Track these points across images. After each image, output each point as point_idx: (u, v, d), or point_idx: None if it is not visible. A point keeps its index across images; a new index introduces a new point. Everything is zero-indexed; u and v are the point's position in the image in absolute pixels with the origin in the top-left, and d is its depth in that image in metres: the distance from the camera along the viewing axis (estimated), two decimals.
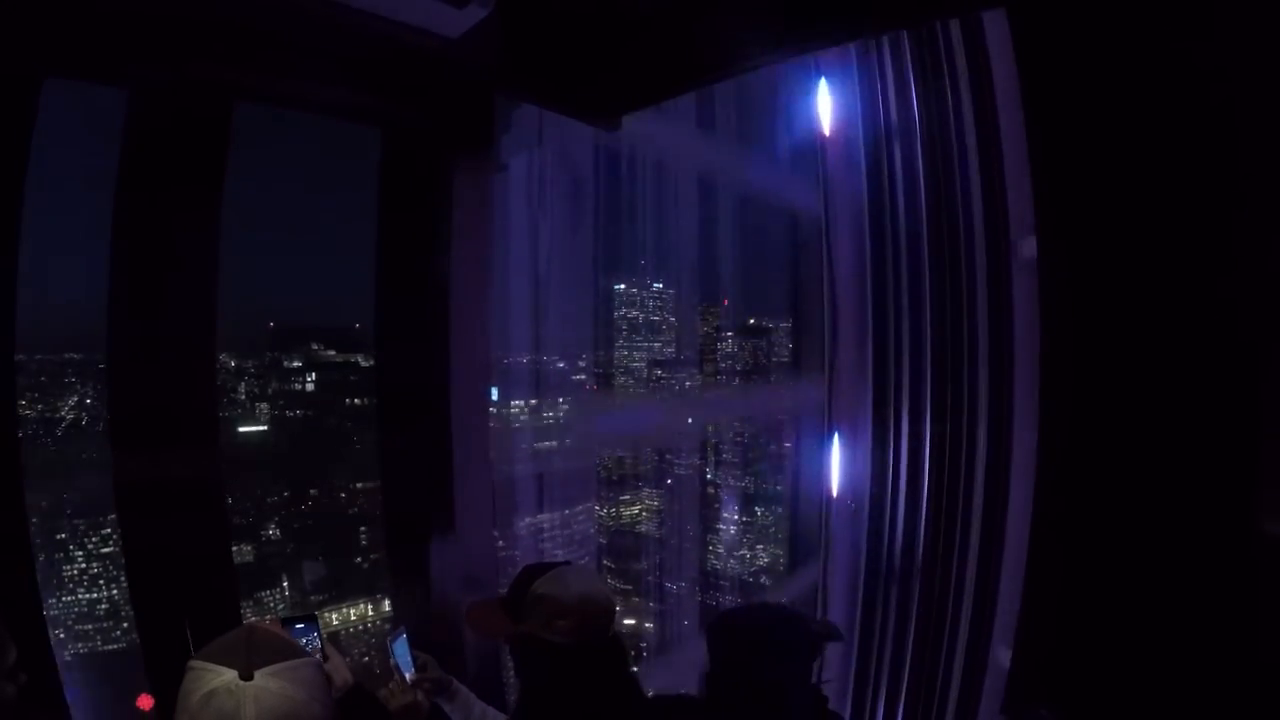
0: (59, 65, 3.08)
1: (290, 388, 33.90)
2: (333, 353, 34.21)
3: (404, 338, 4.22)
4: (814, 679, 2.23)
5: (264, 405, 33.72)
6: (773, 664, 2.05)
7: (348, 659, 2.24)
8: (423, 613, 4.19)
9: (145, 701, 3.31)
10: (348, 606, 32.88)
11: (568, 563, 2.25)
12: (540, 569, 2.19)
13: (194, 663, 1.34)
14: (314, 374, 34.05)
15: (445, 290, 4.09)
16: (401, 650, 2.47)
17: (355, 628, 32.63)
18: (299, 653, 1.42)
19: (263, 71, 3.47)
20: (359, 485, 33.53)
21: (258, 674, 1.31)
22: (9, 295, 3.08)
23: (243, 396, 33.06)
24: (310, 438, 33.87)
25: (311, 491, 33.40)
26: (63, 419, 29.70)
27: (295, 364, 33.93)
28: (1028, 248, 4.54)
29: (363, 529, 33.54)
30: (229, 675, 1.30)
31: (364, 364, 33.66)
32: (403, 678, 2.42)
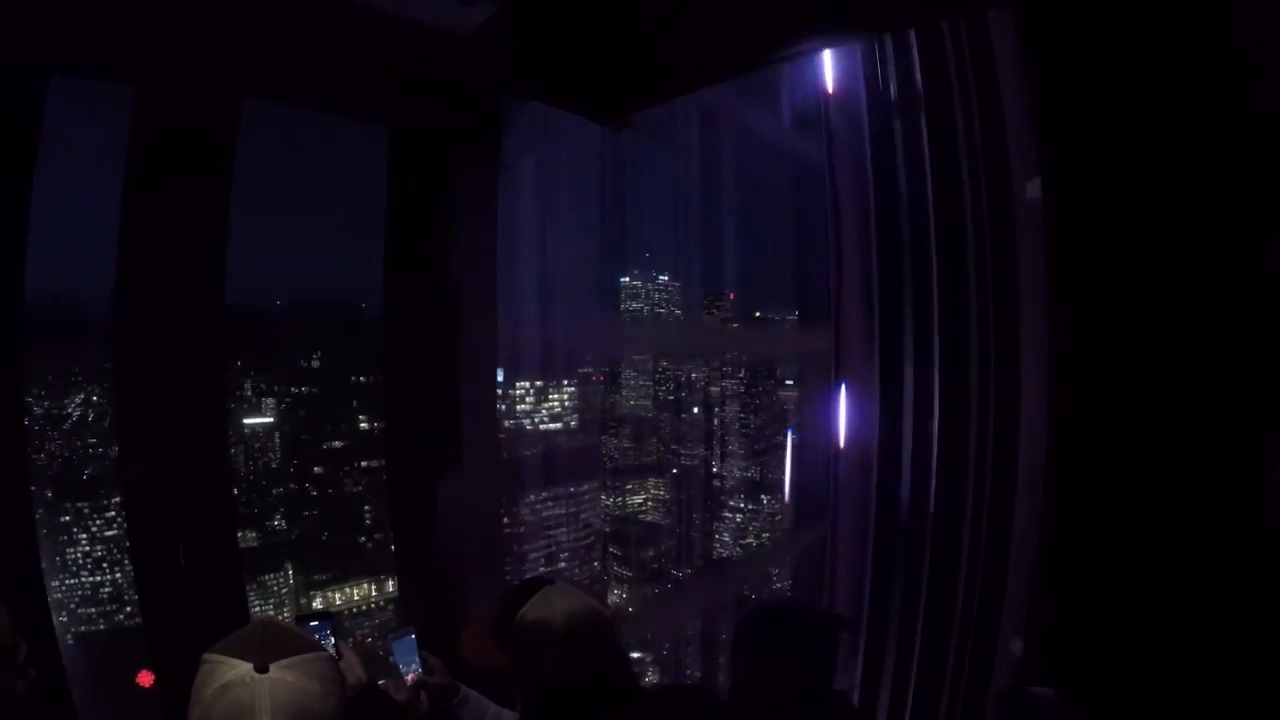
0: (65, 63, 3.08)
1: (296, 365, 33.99)
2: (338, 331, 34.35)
3: (412, 328, 4.24)
4: (835, 671, 2.20)
5: (270, 400, 33.78)
6: (797, 663, 2.04)
7: (350, 641, 2.21)
8: (427, 598, 4.20)
9: (145, 678, 3.34)
10: (351, 586, 32.93)
11: (551, 581, 2.13)
12: (524, 591, 2.10)
13: (208, 656, 1.34)
14: (320, 351, 34.14)
15: (453, 281, 4.11)
16: (404, 650, 2.43)
17: (359, 608, 32.71)
18: (314, 647, 1.42)
19: (269, 68, 3.46)
20: (363, 464, 33.57)
21: (273, 667, 1.31)
22: (16, 294, 3.09)
23: (249, 393, 33.14)
24: (316, 415, 33.88)
25: (316, 469, 33.42)
26: (69, 415, 29.83)
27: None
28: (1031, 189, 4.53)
29: (366, 508, 33.58)
30: (244, 668, 1.30)
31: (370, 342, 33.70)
32: (400, 677, 2.38)
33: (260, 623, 1.44)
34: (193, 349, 3.48)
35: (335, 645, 2.13)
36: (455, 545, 4.14)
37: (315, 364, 34.23)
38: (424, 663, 2.45)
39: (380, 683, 2.30)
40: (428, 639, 2.55)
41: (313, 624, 2.14)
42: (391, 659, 2.42)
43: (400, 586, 4.64)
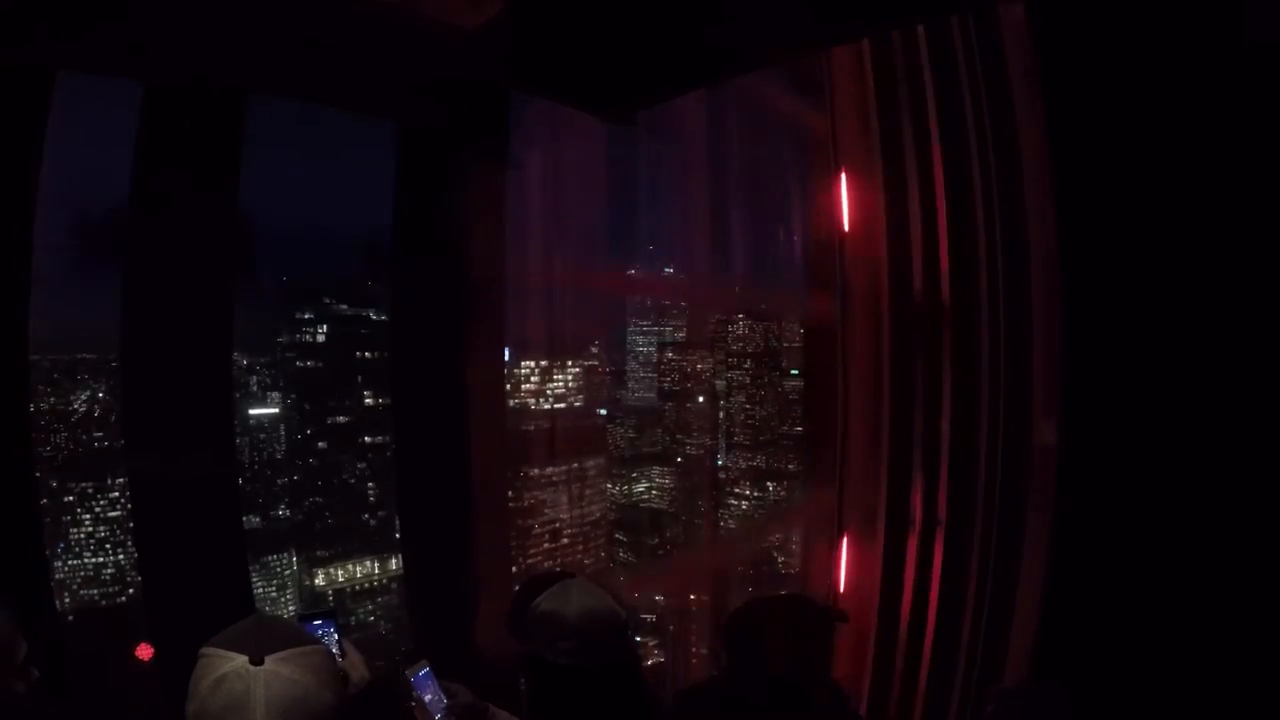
0: (73, 59, 3.08)
1: (301, 339, 34.08)
2: (345, 307, 34.38)
3: (421, 321, 4.26)
4: (829, 664, 2.22)
5: (275, 394, 33.85)
6: (788, 655, 2.05)
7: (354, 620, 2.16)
8: (433, 581, 4.22)
9: (144, 650, 3.37)
10: (354, 564, 33.00)
11: (572, 575, 2.15)
12: (543, 581, 2.12)
13: (205, 650, 1.37)
14: (325, 326, 34.23)
15: (461, 273, 4.13)
16: (423, 685, 2.35)
17: (361, 586, 32.77)
18: (310, 640, 1.44)
19: (277, 64, 3.46)
20: (367, 440, 33.66)
21: (268, 659, 1.32)
22: (23, 293, 3.09)
23: (255, 389, 33.19)
24: (321, 392, 33.94)
25: (320, 444, 33.48)
26: (76, 411, 29.90)
27: (307, 316, 34.12)
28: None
29: (370, 485, 33.68)
30: (239, 660, 1.32)
31: (375, 318, 33.74)
32: (429, 715, 2.31)
33: (256, 616, 1.46)
34: (198, 343, 3.49)
35: (339, 643, 2.11)
36: (462, 528, 4.16)
37: (320, 340, 34.33)
38: (446, 691, 2.40)
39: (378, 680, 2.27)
40: (433, 633, 2.52)
41: (316, 622, 2.14)
42: (415, 694, 2.36)
43: (405, 567, 4.64)
